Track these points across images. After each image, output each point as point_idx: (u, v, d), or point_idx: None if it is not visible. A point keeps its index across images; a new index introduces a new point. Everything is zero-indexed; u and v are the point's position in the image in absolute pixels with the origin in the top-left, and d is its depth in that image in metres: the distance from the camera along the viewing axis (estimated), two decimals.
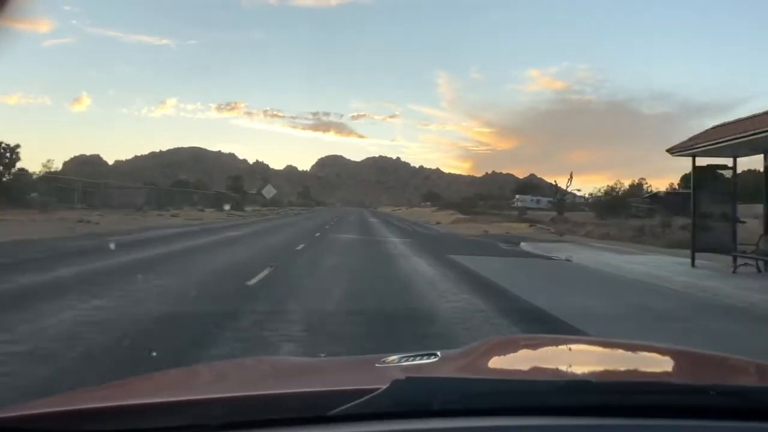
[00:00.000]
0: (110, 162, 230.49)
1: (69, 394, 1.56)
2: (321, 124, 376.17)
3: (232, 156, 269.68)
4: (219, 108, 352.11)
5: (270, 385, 1.56)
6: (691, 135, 15.56)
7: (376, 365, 1.58)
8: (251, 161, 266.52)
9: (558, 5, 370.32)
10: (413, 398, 1.17)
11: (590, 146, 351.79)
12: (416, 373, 1.37)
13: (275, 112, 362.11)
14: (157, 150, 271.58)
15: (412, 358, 1.62)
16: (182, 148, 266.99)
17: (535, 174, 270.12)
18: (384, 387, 1.16)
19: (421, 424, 1.13)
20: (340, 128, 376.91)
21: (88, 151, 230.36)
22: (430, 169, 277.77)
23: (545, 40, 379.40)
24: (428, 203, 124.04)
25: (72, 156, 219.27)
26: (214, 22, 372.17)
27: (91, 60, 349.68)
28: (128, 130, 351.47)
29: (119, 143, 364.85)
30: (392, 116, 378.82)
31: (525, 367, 1.84)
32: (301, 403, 1.22)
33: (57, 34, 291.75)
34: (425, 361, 1.61)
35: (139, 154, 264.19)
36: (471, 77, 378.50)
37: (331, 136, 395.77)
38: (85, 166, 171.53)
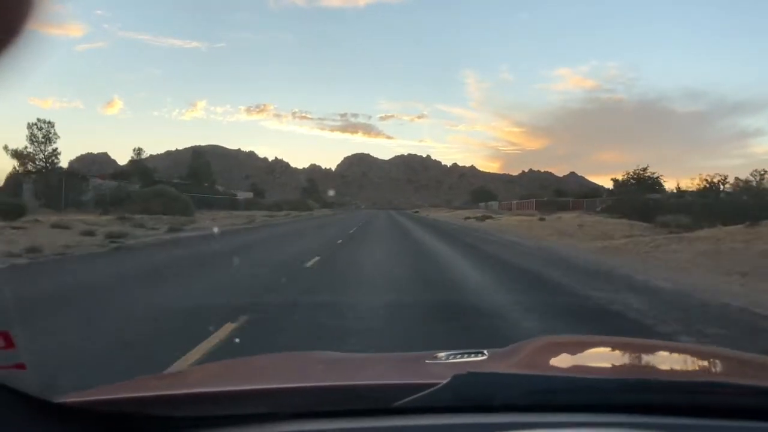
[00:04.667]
0: (123, 161, 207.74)
1: (148, 378, 1.52)
2: (349, 125, 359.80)
3: (251, 154, 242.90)
4: (248, 110, 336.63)
5: (329, 377, 1.51)
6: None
7: (427, 361, 1.54)
8: (271, 160, 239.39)
9: (588, 3, 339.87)
10: (475, 392, 1.14)
11: (622, 145, 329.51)
12: (471, 369, 1.27)
13: (304, 114, 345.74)
14: (173, 149, 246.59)
15: (460, 356, 1.54)
16: (200, 146, 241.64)
17: (575, 172, 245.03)
18: (446, 381, 1.12)
19: (483, 419, 1.09)
20: (368, 129, 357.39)
21: (107, 153, 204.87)
22: (464, 167, 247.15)
23: (575, 38, 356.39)
24: (492, 203, 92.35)
25: (78, 155, 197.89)
26: (243, 24, 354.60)
27: (123, 63, 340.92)
28: (154, 130, 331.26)
29: (146, 143, 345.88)
30: (420, 117, 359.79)
31: (579, 365, 1.75)
32: (364, 395, 1.20)
33: (89, 39, 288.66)
34: (474, 358, 1.52)
35: (155, 153, 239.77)
36: (500, 77, 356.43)
37: (359, 137, 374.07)
38: (93, 165, 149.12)
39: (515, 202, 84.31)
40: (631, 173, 73.48)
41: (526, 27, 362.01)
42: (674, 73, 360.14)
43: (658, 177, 73.55)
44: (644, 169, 73.41)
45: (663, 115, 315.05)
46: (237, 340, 4.96)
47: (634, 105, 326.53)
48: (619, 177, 74.49)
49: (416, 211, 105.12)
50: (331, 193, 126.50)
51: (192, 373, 1.75)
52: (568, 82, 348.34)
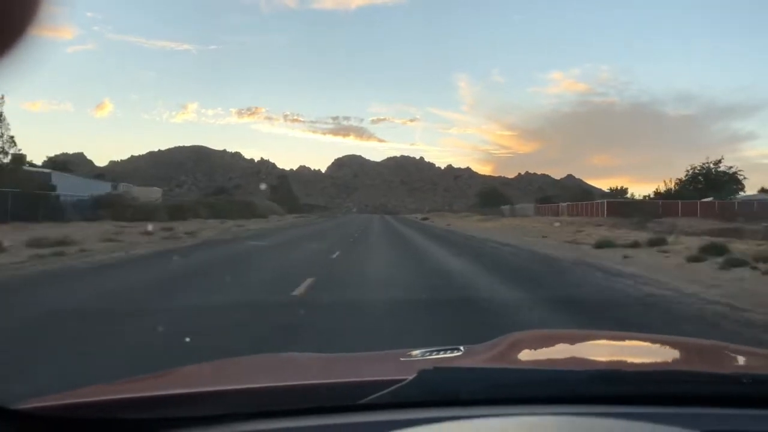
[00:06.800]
0: (102, 163, 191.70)
1: (109, 384, 1.49)
2: (341, 128, 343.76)
3: (237, 155, 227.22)
4: (239, 113, 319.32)
5: (297, 377, 1.47)
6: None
7: (401, 359, 1.53)
8: (257, 161, 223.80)
9: (581, 6, 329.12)
10: (440, 387, 1.13)
11: (614, 149, 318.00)
12: (442, 364, 1.31)
13: (295, 117, 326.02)
14: (156, 149, 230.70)
15: (436, 352, 1.54)
16: (183, 147, 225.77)
17: (573, 175, 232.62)
18: (412, 377, 1.11)
19: (449, 413, 1.08)
20: (360, 132, 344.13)
21: (83, 153, 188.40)
22: (460, 168, 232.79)
23: (568, 41, 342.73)
24: (523, 206, 76.04)
25: (51, 155, 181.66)
26: (235, 27, 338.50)
27: (114, 66, 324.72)
28: (144, 132, 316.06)
29: (135, 145, 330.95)
30: (412, 120, 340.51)
31: (550, 358, 1.75)
32: (331, 393, 1.19)
33: (80, 41, 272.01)
34: (449, 354, 1.53)
35: (136, 153, 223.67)
36: (492, 80, 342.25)
37: (351, 141, 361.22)
38: (68, 166, 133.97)
39: (565, 204, 62.40)
40: (698, 168, 58.45)
41: (519, 30, 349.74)
42: (666, 77, 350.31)
43: (735, 172, 57.58)
44: (717, 162, 57.55)
45: (655, 119, 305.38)
46: None
47: (626, 108, 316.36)
48: (681, 177, 59.77)
49: (425, 218, 78.30)
50: (264, 188, 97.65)
51: (156, 377, 1.61)
52: (560, 85, 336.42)
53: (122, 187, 52.09)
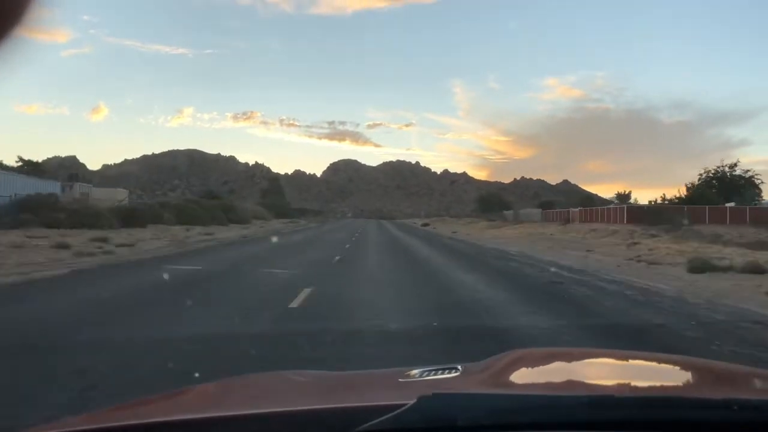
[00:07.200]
0: (96, 167, 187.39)
1: (106, 410, 1.52)
2: (337, 133, 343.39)
3: (231, 159, 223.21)
4: (235, 117, 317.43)
5: (295, 401, 1.47)
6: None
7: (399, 380, 1.54)
8: (252, 164, 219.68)
9: (576, 13, 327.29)
10: (439, 414, 1.11)
11: (609, 154, 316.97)
12: (440, 388, 1.30)
13: (291, 122, 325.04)
14: (150, 153, 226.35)
15: (434, 372, 1.56)
16: (177, 150, 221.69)
17: (568, 180, 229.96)
18: (410, 403, 1.10)
19: None
20: (356, 137, 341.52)
21: (76, 156, 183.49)
22: (456, 173, 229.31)
23: (563, 48, 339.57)
24: (530, 211, 71.40)
25: (44, 158, 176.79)
26: (231, 31, 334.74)
27: (110, 70, 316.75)
28: (138, 136, 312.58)
29: (130, 148, 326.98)
30: (408, 125, 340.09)
31: (548, 380, 1.75)
32: (328, 420, 1.17)
33: (75, 44, 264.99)
34: (447, 375, 1.54)
35: (129, 157, 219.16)
36: (488, 86, 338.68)
37: (346, 145, 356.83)
38: (60, 170, 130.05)
39: (576, 210, 58.51)
40: (713, 172, 54.79)
41: (514, 37, 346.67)
42: (661, 84, 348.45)
43: (752, 176, 54.23)
44: (733, 166, 54.09)
45: (650, 125, 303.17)
46: None
47: (621, 115, 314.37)
48: (694, 181, 56.01)
49: (426, 224, 71.29)
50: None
51: (151, 402, 1.60)
52: (556, 91, 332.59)
53: (78, 187, 46.74)
